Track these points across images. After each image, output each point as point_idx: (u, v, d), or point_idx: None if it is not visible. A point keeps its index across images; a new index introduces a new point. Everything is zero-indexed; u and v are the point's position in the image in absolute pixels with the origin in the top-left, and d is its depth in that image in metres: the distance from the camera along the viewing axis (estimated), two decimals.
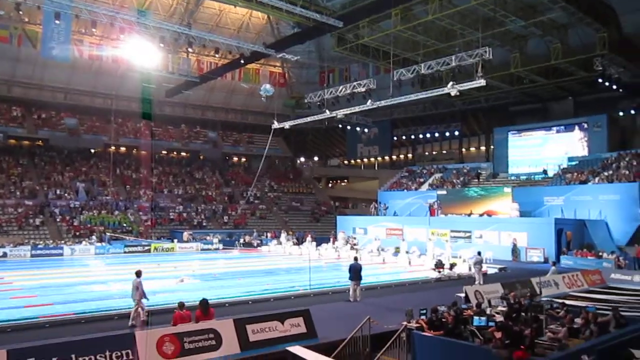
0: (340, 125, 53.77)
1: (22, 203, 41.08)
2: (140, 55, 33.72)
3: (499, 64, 35.06)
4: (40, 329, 12.99)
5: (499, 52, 33.42)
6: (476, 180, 42.28)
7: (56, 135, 48.50)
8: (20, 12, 31.61)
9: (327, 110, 33.36)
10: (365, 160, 60.72)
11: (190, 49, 35.84)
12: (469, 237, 33.89)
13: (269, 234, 44.55)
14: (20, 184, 43.24)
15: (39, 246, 34.90)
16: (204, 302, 11.54)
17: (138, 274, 13.68)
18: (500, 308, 13.10)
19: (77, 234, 39.57)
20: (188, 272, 25.10)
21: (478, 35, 29.54)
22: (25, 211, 40.40)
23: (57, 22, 29.96)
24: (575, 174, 35.29)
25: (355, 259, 18.35)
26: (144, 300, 13.55)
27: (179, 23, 38.92)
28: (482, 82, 25.82)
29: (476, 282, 19.67)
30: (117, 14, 31.70)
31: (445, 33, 34.04)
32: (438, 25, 32.82)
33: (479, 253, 22.23)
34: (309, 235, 39.67)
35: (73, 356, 9.15)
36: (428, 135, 54.34)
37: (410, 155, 57.93)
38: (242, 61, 38.67)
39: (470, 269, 23.57)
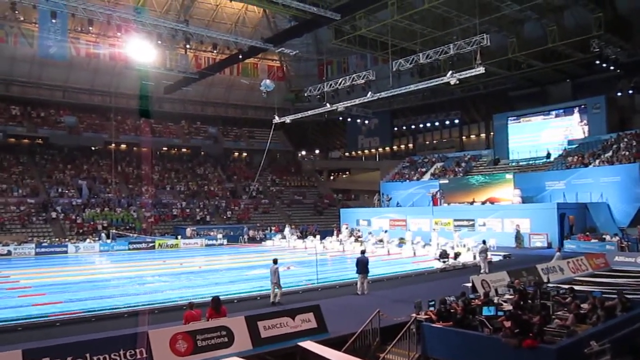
0: (340, 118, 53.75)
1: (25, 201, 41.24)
2: (137, 53, 33.71)
3: (497, 49, 35.01)
4: (51, 327, 13.05)
5: (496, 38, 33.38)
6: (477, 167, 42.32)
7: (56, 133, 48.51)
8: (16, 12, 31.41)
9: (327, 103, 33.40)
10: (367, 151, 60.75)
11: (187, 45, 35.77)
12: (473, 225, 33.98)
13: (272, 228, 44.68)
14: (21, 182, 43.35)
15: (44, 244, 35.11)
16: (216, 300, 11.62)
17: (275, 261, 15.69)
18: (507, 296, 13.19)
19: (81, 231, 39.74)
20: (194, 268, 25.27)
21: (475, 21, 29.53)
22: (28, 209, 40.55)
23: (53, 20, 29.94)
24: (576, 157, 35.32)
25: (362, 252, 18.42)
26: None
27: (175, 19, 38.83)
28: (481, 70, 25.90)
29: (482, 271, 19.76)
30: (113, 11, 31.57)
31: (442, 21, 33.95)
32: (434, 13, 32.73)
33: (484, 242, 22.27)
34: (313, 229, 39.73)
35: (87, 355, 9.21)
36: (428, 124, 54.37)
37: (411, 145, 57.93)
38: (240, 56, 38.57)
39: (475, 257, 23.65)
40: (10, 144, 47.04)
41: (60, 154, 48.88)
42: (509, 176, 35.93)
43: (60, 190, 43.89)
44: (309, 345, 10.55)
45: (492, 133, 47.89)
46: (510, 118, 44.12)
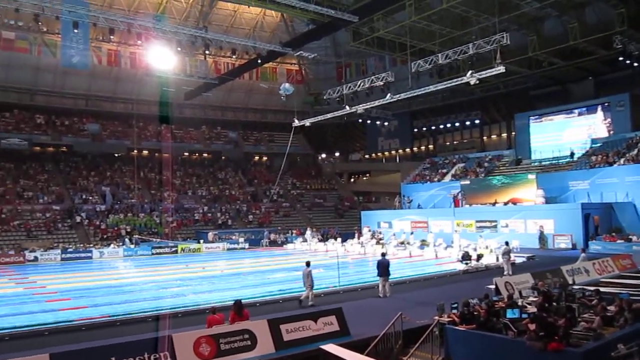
0: (359, 120, 53.67)
1: (50, 208, 42.04)
2: (158, 60, 34.13)
3: (517, 48, 34.55)
4: (77, 331, 13.28)
5: (516, 36, 32.97)
6: (498, 168, 41.86)
7: (80, 141, 49.38)
8: (39, 23, 32.13)
9: (346, 106, 33.39)
10: (387, 153, 60.51)
11: (207, 51, 36.10)
12: (495, 226, 33.63)
13: (293, 232, 44.78)
14: (47, 189, 44.22)
15: (69, 250, 35.71)
16: (238, 303, 11.69)
17: (308, 264, 16.01)
18: (531, 299, 13.01)
19: (105, 237, 40.34)
20: (216, 272, 25.45)
21: (494, 20, 29.25)
22: (54, 216, 41.31)
23: (75, 30, 30.49)
24: (600, 156, 34.71)
25: (383, 254, 18.35)
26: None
27: (194, 26, 39.26)
28: (501, 69, 25.64)
29: (505, 273, 19.53)
30: (133, 20, 32.09)
31: (461, 20, 33.71)
32: (453, 13, 32.52)
33: (507, 243, 22.03)
34: (334, 231, 39.73)
35: (113, 359, 9.35)
36: (448, 125, 53.95)
37: (431, 146, 57.53)
38: (259, 61, 38.80)
39: (497, 259, 23.40)
40: (36, 153, 48.01)
41: (84, 161, 49.72)
42: (532, 176, 35.44)
43: (84, 196, 44.65)
44: (332, 348, 10.53)
45: (513, 133, 47.34)
46: (531, 117, 43.56)
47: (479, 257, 24.21)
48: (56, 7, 29.33)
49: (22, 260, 32.87)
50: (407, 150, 58.99)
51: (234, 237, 42.33)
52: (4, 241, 36.91)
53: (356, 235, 38.82)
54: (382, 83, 31.46)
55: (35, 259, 33.36)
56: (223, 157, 57.65)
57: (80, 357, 9.22)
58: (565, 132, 41.29)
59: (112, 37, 33.35)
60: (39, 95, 48.50)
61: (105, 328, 13.59)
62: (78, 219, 41.78)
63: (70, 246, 37.04)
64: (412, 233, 35.00)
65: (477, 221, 34.67)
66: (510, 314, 10.62)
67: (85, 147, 49.55)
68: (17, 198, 41.82)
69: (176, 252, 38.11)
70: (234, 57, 42.77)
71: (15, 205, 40.84)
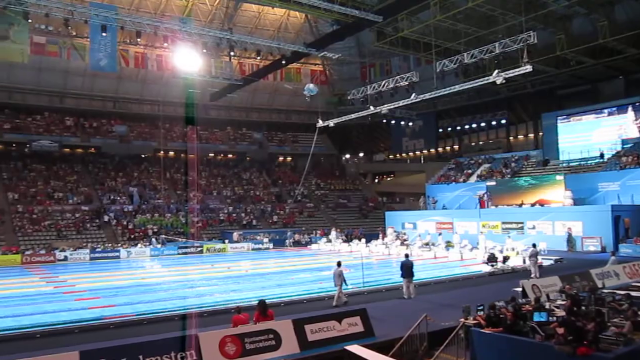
0: (384, 120, 53.46)
1: (79, 208, 42.93)
2: (184, 62, 34.55)
3: (544, 47, 33.94)
4: (105, 330, 13.54)
5: (543, 35, 32.42)
6: (525, 168, 41.23)
7: (108, 142, 50.33)
8: (69, 27, 32.82)
9: (370, 106, 33.28)
10: (411, 153, 60.10)
11: (232, 53, 36.45)
12: (522, 228, 33.15)
13: (318, 232, 44.85)
14: (76, 190, 45.15)
15: (97, 249, 36.38)
16: (262, 303, 11.76)
17: (339, 264, 16.13)
18: (559, 302, 12.78)
19: (132, 236, 41.00)
20: (241, 272, 25.65)
21: (520, 19, 28.81)
22: (83, 216, 42.15)
23: (103, 34, 31.02)
24: (631, 157, 33.89)
25: (407, 255, 18.26)
26: (343, 286, 15.94)
27: (219, 28, 39.64)
28: (528, 68, 25.24)
29: (532, 276, 19.24)
30: (160, 23, 32.54)
31: (487, 19, 33.29)
32: (478, 12, 32.12)
33: (534, 245, 21.68)
34: (358, 232, 39.70)
35: (140, 357, 9.49)
36: (474, 125, 53.30)
37: (456, 147, 56.94)
38: (283, 62, 38.97)
39: (524, 261, 23.06)
40: (65, 154, 49.10)
41: (112, 162, 50.63)
42: (560, 177, 34.82)
43: (112, 197, 45.47)
44: (356, 349, 10.52)
45: (540, 133, 46.57)
46: (559, 117, 42.77)
47: (506, 259, 23.90)
48: (85, 12, 29.98)
49: (53, 259, 33.64)
50: (432, 150, 58.51)
51: (258, 238, 42.62)
52: (35, 241, 37.80)
53: (380, 236, 38.68)
54: (406, 83, 31.28)
55: (65, 258, 34.09)
56: (248, 158, 58.10)
57: (109, 355, 9.37)
58: (594, 133, 40.41)
59: (139, 40, 34.00)
60: (69, 97, 49.56)
61: (133, 326, 13.81)
62: (106, 219, 42.57)
63: (99, 246, 37.75)
64: (439, 234, 34.68)
65: (503, 222, 34.23)
66: (538, 317, 10.44)
67: (113, 149, 50.48)
68: (47, 199, 42.80)
69: (202, 252, 38.53)
70: (258, 58, 43.11)
71: (46, 206, 41.81)
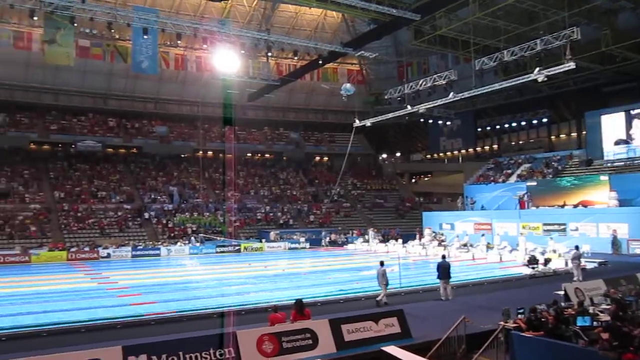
0: (421, 120, 52.90)
1: (122, 207, 44.11)
2: (222, 63, 35.02)
3: (588, 43, 32.88)
4: (147, 326, 13.89)
5: (587, 31, 31.35)
6: (568, 168, 40.12)
7: (149, 142, 51.57)
8: (112, 30, 33.71)
9: (407, 106, 33.02)
10: (449, 153, 59.27)
11: (269, 53, 36.72)
12: (564, 229, 32.31)
13: (354, 232, 44.77)
14: (119, 189, 46.42)
15: (139, 247, 37.25)
16: (299, 303, 11.84)
17: (382, 263, 16.43)
18: (604, 306, 12.40)
19: (172, 235, 41.85)
20: (278, 271, 25.86)
21: (563, 14, 28.00)
22: (125, 214, 43.28)
23: (145, 37, 31.71)
24: None
25: (443, 257, 18.04)
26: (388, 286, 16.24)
27: (257, 29, 40.03)
28: (571, 65, 24.56)
29: (575, 279, 18.75)
30: (199, 25, 33.08)
31: (528, 15, 32.52)
32: (519, 8, 31.40)
33: (577, 247, 21.12)
34: (395, 232, 39.47)
35: (181, 353, 9.73)
36: (514, 124, 52.13)
37: (495, 146, 55.85)
38: (320, 62, 39.03)
39: (566, 264, 22.48)
40: (108, 154, 50.54)
41: (152, 162, 51.81)
42: (604, 177, 33.75)
43: (153, 196, 46.53)
44: (393, 350, 10.46)
45: (584, 132, 45.20)
46: (604, 115, 41.39)
47: (547, 261, 23.33)
48: (128, 15, 30.78)
49: (96, 256, 34.62)
50: (470, 150, 57.56)
51: (295, 237, 42.84)
52: (80, 238, 39.04)
53: (417, 236, 38.33)
54: (444, 82, 30.92)
55: (108, 255, 35.03)
56: (284, 158, 58.48)
57: (151, 350, 9.59)
58: None
59: (179, 41, 34.52)
60: (112, 99, 50.95)
61: (173, 323, 14.11)
62: (147, 215, 43.61)
63: (140, 244, 38.65)
64: (482, 235, 34.02)
65: (544, 224, 33.46)
66: (581, 321, 10.17)
67: (153, 149, 51.68)
68: (91, 197, 44.15)
69: (239, 250, 38.99)
70: (295, 58, 43.25)
71: (90, 204, 43.12)
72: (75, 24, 30.72)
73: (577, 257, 20.00)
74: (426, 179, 63.63)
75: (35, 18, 30.00)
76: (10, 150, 45.77)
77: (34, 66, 43.77)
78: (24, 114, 47.72)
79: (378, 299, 15.95)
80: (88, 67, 45.61)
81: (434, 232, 38.55)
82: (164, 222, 43.42)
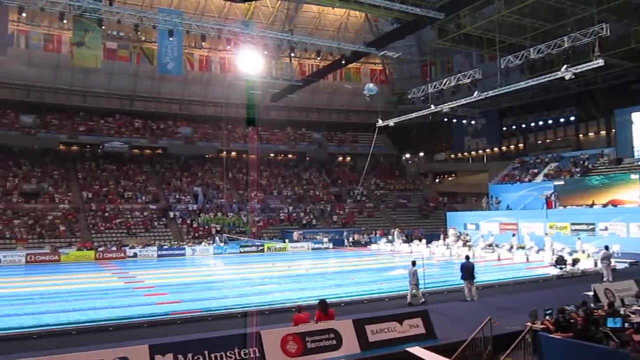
0: (445, 119, 52.44)
1: (147, 207, 44.74)
2: (246, 64, 35.25)
3: (617, 39, 32.16)
4: (172, 325, 14.05)
5: (616, 27, 30.54)
6: (596, 167, 39.31)
7: (173, 143, 52.14)
8: (138, 32, 34.22)
9: (431, 105, 32.75)
10: (473, 153, 58.63)
11: (292, 54, 36.83)
12: (593, 229, 31.65)
13: (377, 232, 44.61)
14: (144, 189, 47.07)
15: (164, 247, 37.71)
16: (323, 303, 11.83)
17: (413, 263, 16.38)
18: (635, 307, 12.11)
19: (196, 235, 42.27)
20: (301, 271, 25.90)
21: (592, 11, 27.45)
22: (150, 214, 43.88)
23: (170, 39, 32.11)
24: None
25: (467, 257, 17.84)
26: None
27: (280, 29, 40.18)
28: (600, 62, 24.06)
29: (604, 279, 18.38)
30: (223, 26, 33.34)
31: (555, 12, 31.96)
32: (546, 5, 30.91)
33: (606, 247, 20.68)
34: (418, 233, 39.21)
35: (206, 352, 9.80)
36: (540, 122, 51.27)
37: (521, 145, 55.02)
38: (343, 62, 38.98)
39: (596, 264, 22.03)
40: (134, 155, 51.29)
41: (177, 163, 52.41)
42: (635, 176, 32.97)
43: (177, 196, 47.07)
44: (418, 351, 10.38)
45: (613, 130, 44.23)
46: (634, 113, 40.45)
47: (575, 261, 22.89)
48: (154, 17, 31.22)
49: (123, 256, 35.16)
50: (495, 149, 56.82)
51: (318, 237, 42.86)
52: (107, 238, 39.73)
53: (441, 236, 38.00)
54: (469, 81, 30.61)
55: (135, 255, 35.55)
56: (307, 158, 58.56)
57: (177, 349, 9.69)
58: None
59: (203, 43, 34.85)
60: (138, 100, 51.69)
61: (198, 322, 14.24)
62: (171, 213, 44.16)
63: (166, 243, 39.13)
64: (513, 235, 33.44)
65: (572, 224, 32.82)
66: (612, 323, 9.96)
67: (178, 149, 52.24)
68: (118, 197, 44.87)
69: (263, 250, 39.17)
70: (318, 58, 43.32)
71: (117, 205, 43.82)
72: (103, 27, 31.36)
73: (606, 257, 19.60)
74: (450, 178, 63.04)
75: (64, 21, 30.72)
76: (40, 152, 46.87)
77: (63, 68, 44.69)
78: (53, 115, 48.75)
79: (412, 297, 16.00)
80: (115, 69, 46.34)
81: (458, 232, 38.14)
82: (189, 222, 43.88)
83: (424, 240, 37.05)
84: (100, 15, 29.45)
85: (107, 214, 42.36)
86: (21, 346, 11.83)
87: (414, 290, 16.16)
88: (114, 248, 36.60)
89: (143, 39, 41.31)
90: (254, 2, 42.34)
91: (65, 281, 23.91)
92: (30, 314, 15.68)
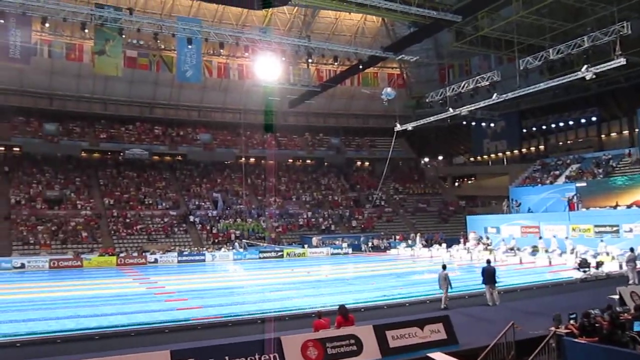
0: (464, 122, 52.06)
1: (168, 213, 45.19)
2: (264, 70, 35.46)
3: (639, 37, 31.68)
4: (193, 330, 14.11)
5: (638, 25, 30.10)
6: (620, 168, 38.62)
7: (193, 150, 52.62)
8: (158, 41, 34.71)
9: (449, 108, 32.55)
10: (493, 155, 58.04)
11: (309, 60, 36.97)
12: (617, 231, 31.04)
13: (397, 237, 44.40)
14: (165, 195, 47.55)
15: (185, 253, 37.98)
16: (343, 308, 11.79)
17: (444, 267, 16.60)
18: None
19: (216, 240, 42.53)
20: (321, 276, 25.86)
21: (612, 9, 27.05)
22: (171, 220, 44.30)
23: (189, 46, 32.50)
24: None
25: (488, 261, 17.65)
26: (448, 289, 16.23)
27: (297, 35, 40.38)
28: (621, 61, 23.73)
29: (630, 282, 18.04)
30: (241, 33, 33.64)
31: (574, 12, 31.59)
32: (565, 5, 30.56)
33: (632, 249, 20.29)
34: (438, 237, 38.92)
35: (227, 358, 9.81)
36: (561, 123, 50.57)
37: (542, 147, 54.31)
38: (360, 67, 39.00)
39: (621, 267, 21.62)
40: (155, 162, 51.90)
41: (197, 169, 52.84)
42: None
43: (197, 202, 47.44)
44: (439, 356, 10.29)
45: (636, 130, 43.45)
46: None
47: (599, 264, 22.50)
48: (173, 25, 31.66)
49: (144, 261, 35.49)
50: (515, 151, 56.17)
51: (337, 242, 42.78)
52: (129, 244, 40.20)
53: (462, 240, 37.66)
54: (487, 83, 30.40)
55: (156, 260, 35.84)
56: (326, 163, 58.56)
57: (198, 355, 9.73)
58: None
59: (222, 50, 35.19)
60: (157, 108, 52.36)
61: (219, 328, 14.27)
62: (191, 217, 44.51)
63: (186, 249, 39.44)
64: (540, 238, 33.01)
65: (595, 225, 32.23)
66: (638, 327, 9.76)
67: (198, 156, 52.71)
68: (139, 204, 45.41)
69: (282, 256, 39.19)
70: (335, 64, 43.31)
71: (138, 211, 44.35)
72: (124, 35, 31.87)
73: (632, 260, 19.23)
74: (470, 182, 62.50)
75: (86, 30, 31.36)
76: (62, 159, 47.68)
77: (85, 77, 45.52)
78: (75, 123, 49.58)
79: (442, 306, 15.84)
80: (135, 77, 47.02)
81: (479, 236, 37.77)
82: (208, 227, 44.19)
83: (444, 245, 36.75)
84: (121, 24, 30.00)
85: (128, 220, 42.86)
86: (45, 351, 12.01)
87: (445, 295, 16.12)
88: (135, 254, 36.94)
89: (162, 47, 41.85)
90: (271, 9, 42.58)
91: (88, 287, 24.22)
92: (55, 318, 15.88)
